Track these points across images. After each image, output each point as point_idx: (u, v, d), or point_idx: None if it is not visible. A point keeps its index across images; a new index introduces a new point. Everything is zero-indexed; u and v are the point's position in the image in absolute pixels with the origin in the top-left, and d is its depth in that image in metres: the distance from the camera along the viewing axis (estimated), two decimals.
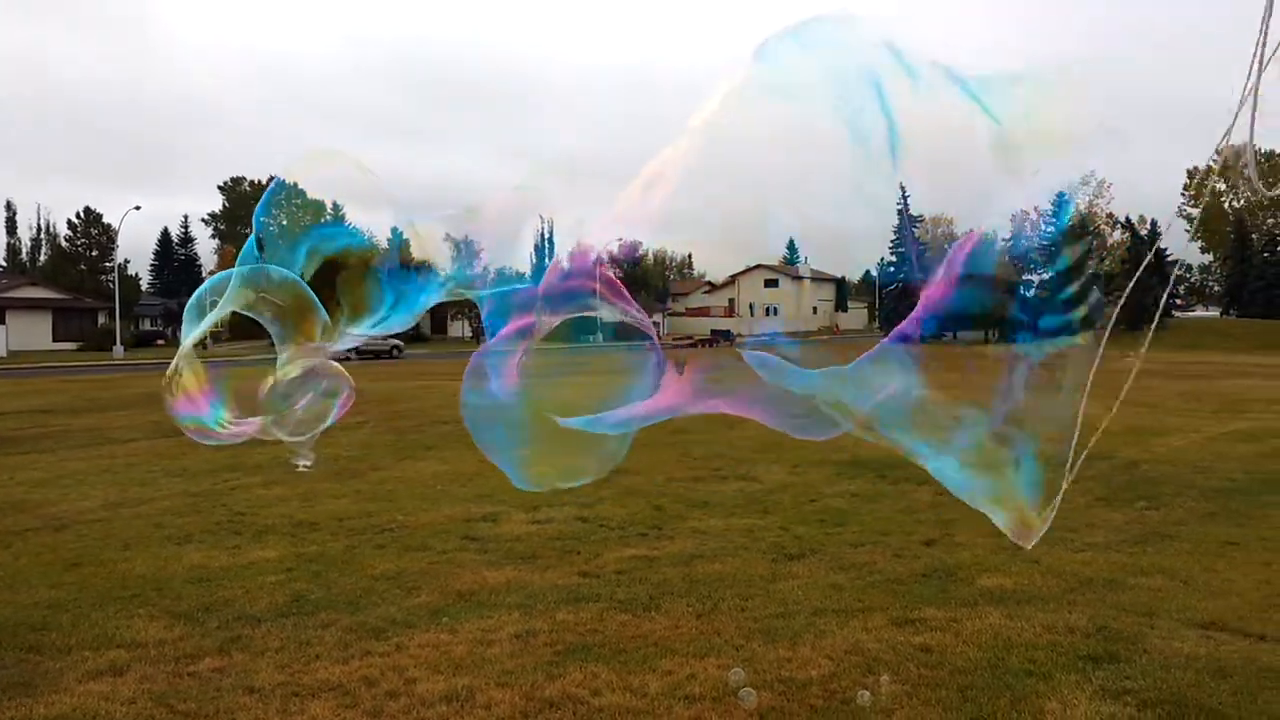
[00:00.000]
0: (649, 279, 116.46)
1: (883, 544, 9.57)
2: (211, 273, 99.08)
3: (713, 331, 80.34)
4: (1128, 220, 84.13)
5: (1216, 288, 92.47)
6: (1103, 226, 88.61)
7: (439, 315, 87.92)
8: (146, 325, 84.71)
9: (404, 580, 8.41)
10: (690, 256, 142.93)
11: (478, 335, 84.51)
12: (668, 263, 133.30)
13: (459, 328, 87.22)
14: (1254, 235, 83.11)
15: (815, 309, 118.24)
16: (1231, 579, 8.14)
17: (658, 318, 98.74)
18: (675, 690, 5.66)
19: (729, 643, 6.54)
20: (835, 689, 5.62)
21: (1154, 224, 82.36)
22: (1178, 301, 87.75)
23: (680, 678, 5.86)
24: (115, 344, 67.28)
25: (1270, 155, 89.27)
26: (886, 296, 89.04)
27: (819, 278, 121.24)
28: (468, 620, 7.16)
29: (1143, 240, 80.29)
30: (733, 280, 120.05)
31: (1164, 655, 6.24)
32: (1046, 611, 7.23)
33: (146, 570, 8.80)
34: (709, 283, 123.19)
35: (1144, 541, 9.59)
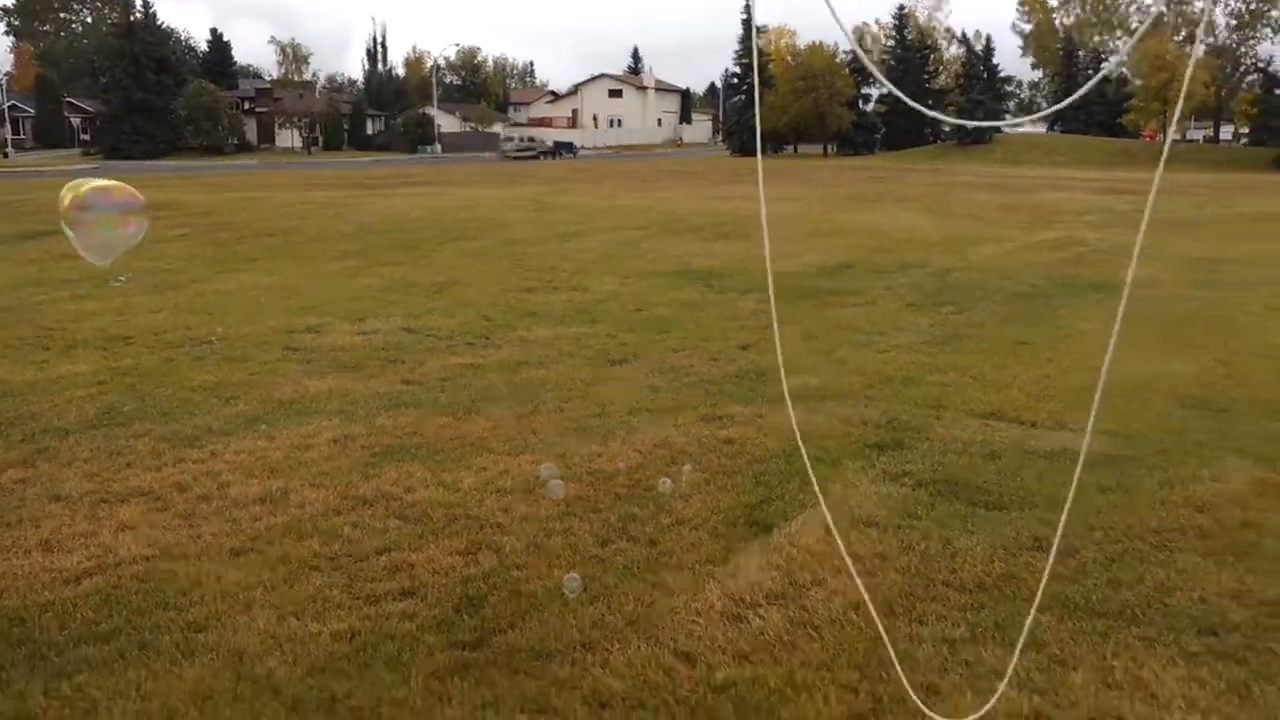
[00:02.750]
0: (488, 87, 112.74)
1: (702, 349, 9.93)
2: (9, 74, 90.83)
3: (555, 143, 78.84)
4: (964, 35, 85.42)
5: (1044, 104, 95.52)
6: (940, 41, 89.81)
7: (266, 124, 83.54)
8: None
9: (222, 391, 8.31)
10: (532, 64, 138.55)
11: (308, 145, 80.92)
12: (509, 71, 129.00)
13: (288, 137, 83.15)
14: (1080, 53, 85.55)
15: (660, 121, 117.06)
16: (1016, 374, 8.81)
17: (498, 127, 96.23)
18: (487, 485, 5.88)
19: (544, 441, 6.78)
20: (640, 478, 5.94)
21: (989, 39, 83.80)
22: (1008, 117, 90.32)
23: (493, 474, 6.08)
24: None
25: None
26: (730, 109, 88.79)
27: (663, 88, 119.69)
28: (286, 427, 7.17)
29: (977, 56, 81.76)
30: (576, 90, 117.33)
31: (944, 442, 6.78)
32: (845, 406, 7.71)
33: None
34: (551, 92, 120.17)
35: (944, 342, 10.22)
